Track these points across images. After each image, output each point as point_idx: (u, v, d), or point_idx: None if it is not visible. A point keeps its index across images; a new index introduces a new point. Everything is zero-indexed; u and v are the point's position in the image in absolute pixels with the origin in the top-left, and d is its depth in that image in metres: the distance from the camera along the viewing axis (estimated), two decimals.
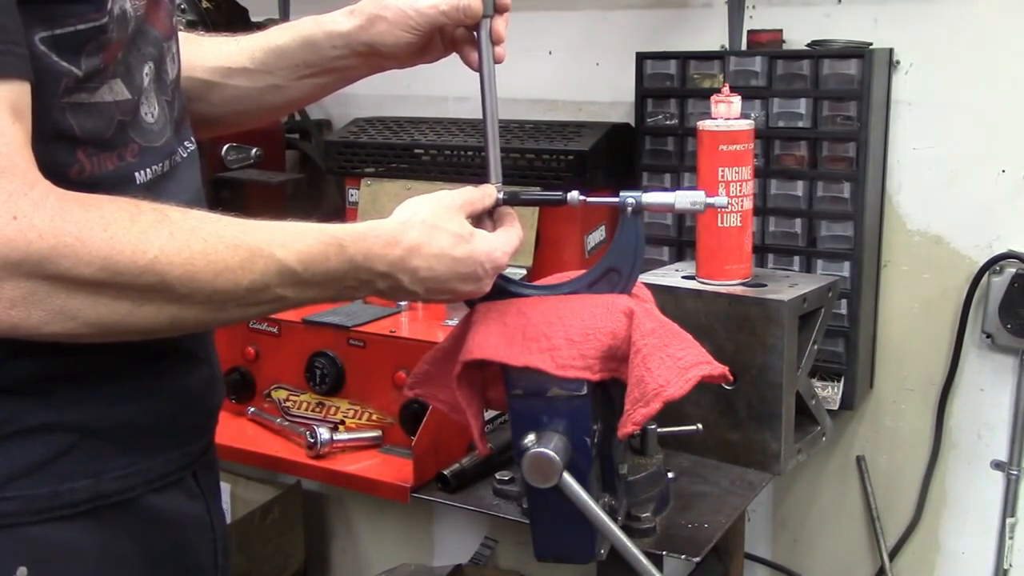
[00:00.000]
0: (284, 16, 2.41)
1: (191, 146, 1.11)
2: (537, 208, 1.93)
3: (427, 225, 1.05)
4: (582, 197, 1.20)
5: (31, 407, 0.94)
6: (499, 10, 1.18)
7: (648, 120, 1.97)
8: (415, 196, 1.09)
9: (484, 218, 1.15)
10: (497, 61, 1.19)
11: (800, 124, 1.83)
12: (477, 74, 1.20)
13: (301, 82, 1.25)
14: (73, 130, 0.92)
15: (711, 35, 1.99)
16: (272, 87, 1.25)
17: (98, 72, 0.92)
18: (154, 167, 1.01)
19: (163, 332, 0.93)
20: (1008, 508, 1.88)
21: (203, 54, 1.25)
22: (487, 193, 1.15)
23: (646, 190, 1.26)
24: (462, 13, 1.16)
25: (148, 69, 1.00)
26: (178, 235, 0.87)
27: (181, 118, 1.09)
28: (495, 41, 1.19)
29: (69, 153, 0.92)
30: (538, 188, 1.92)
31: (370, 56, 1.23)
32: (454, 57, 1.24)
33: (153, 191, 0.99)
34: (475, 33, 1.19)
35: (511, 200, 1.17)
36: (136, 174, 0.98)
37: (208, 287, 0.89)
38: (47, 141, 0.89)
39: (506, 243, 1.12)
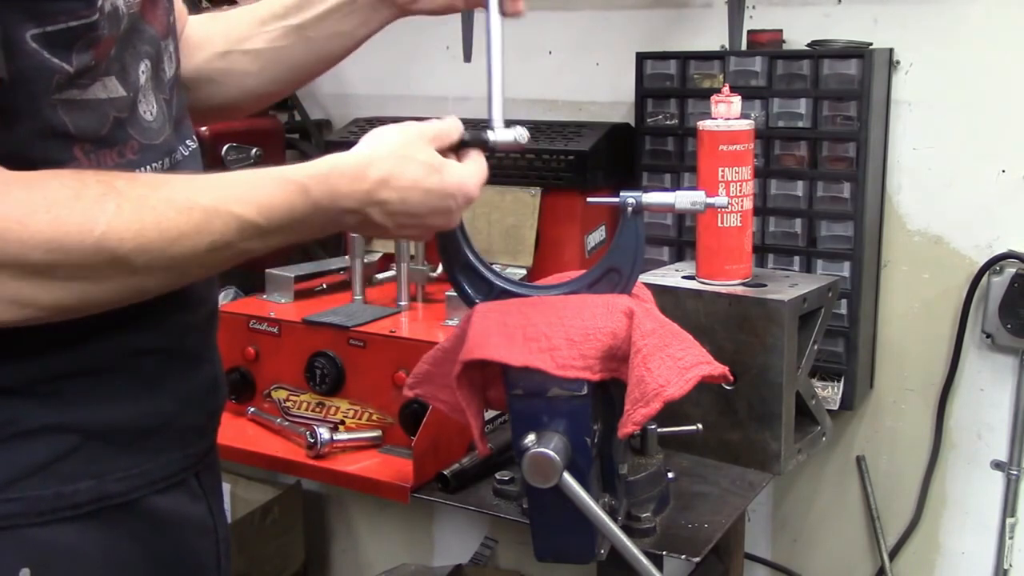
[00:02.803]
0: None
1: (192, 144, 1.11)
2: (537, 208, 1.93)
3: (396, 156, 1.00)
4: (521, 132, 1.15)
5: (34, 408, 0.94)
6: None
7: (648, 120, 1.97)
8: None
9: (448, 154, 1.09)
10: (515, 14, 1.17)
11: (800, 124, 1.83)
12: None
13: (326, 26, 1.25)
14: (67, 127, 0.91)
15: (711, 35, 1.99)
16: (302, 39, 1.25)
17: (89, 69, 0.92)
18: (154, 164, 1.01)
19: (130, 302, 0.91)
20: (1008, 508, 1.88)
21: (238, 27, 1.26)
22: (454, 126, 1.09)
23: (646, 190, 1.26)
24: None
25: (144, 67, 1.00)
26: (126, 207, 0.85)
27: (181, 117, 1.09)
28: None
29: (64, 150, 0.92)
30: (538, 188, 1.93)
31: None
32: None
33: None
34: None
35: (472, 142, 1.11)
36: (138, 171, 0.98)
37: (164, 255, 0.87)
38: (41, 138, 0.89)
39: (476, 174, 1.07)
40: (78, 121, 0.92)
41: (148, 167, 1.00)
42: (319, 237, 1.02)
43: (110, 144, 0.96)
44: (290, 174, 0.95)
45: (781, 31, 1.89)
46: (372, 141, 1.02)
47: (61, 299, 0.85)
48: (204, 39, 1.26)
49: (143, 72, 1.00)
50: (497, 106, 1.15)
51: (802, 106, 1.82)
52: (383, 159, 1.00)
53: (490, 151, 1.12)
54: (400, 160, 1.00)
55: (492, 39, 1.17)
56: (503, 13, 1.17)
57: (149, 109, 1.01)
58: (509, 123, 1.14)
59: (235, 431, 1.77)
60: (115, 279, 0.87)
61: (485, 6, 1.18)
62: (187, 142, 1.09)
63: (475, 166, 1.08)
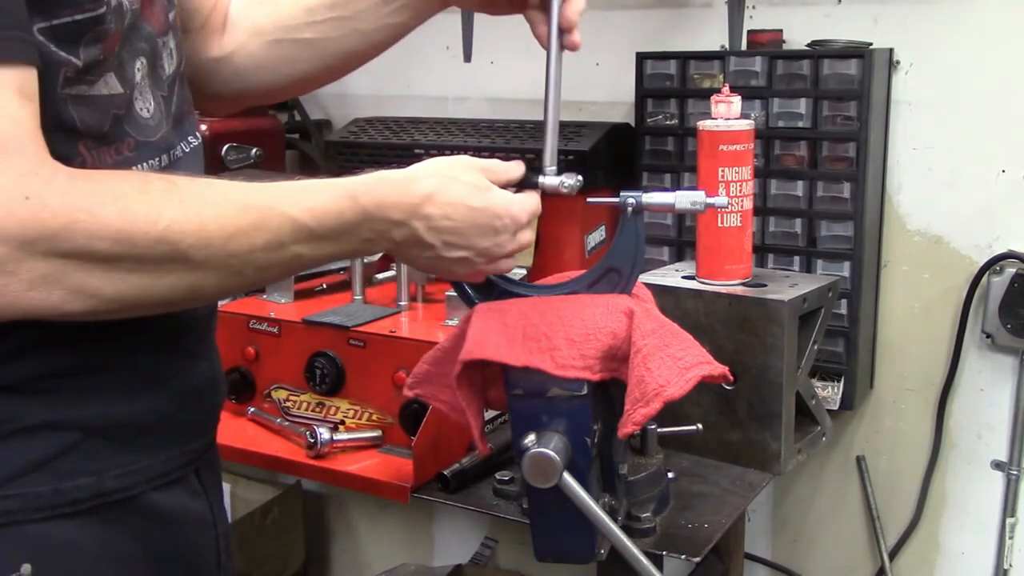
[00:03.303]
0: None
1: (195, 141, 1.11)
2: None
3: (442, 175, 1.05)
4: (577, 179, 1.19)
5: (33, 406, 0.94)
6: None
7: (648, 120, 1.97)
8: None
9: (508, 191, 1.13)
10: (571, 48, 1.18)
11: (800, 124, 1.83)
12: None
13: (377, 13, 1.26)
14: (74, 122, 0.93)
15: (711, 35, 1.99)
16: (353, 31, 1.27)
17: (97, 64, 0.93)
18: (151, 161, 1.01)
19: (184, 303, 0.94)
20: (1008, 508, 1.88)
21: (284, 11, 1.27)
22: (514, 166, 1.14)
23: (646, 190, 1.26)
24: None
25: (140, 64, 1.01)
26: (188, 202, 0.88)
27: (181, 113, 1.10)
28: (565, 28, 1.19)
29: (71, 146, 0.93)
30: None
31: None
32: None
33: None
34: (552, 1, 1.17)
35: (522, 182, 1.16)
36: (134, 168, 0.99)
37: (223, 251, 0.90)
38: (49, 132, 0.90)
39: (525, 200, 1.11)
40: (84, 117, 0.93)
41: (144, 164, 1.00)
42: (369, 254, 1.05)
43: (109, 141, 0.97)
44: (339, 182, 0.99)
45: (781, 31, 1.89)
46: (420, 164, 1.06)
47: (123, 291, 0.87)
48: (252, 26, 1.27)
49: (139, 69, 1.01)
50: (550, 151, 1.20)
51: (802, 106, 1.82)
52: (428, 177, 1.04)
53: (539, 192, 1.16)
54: (445, 179, 1.04)
55: (551, 87, 1.21)
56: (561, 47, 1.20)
57: (146, 106, 1.02)
58: (561, 170, 1.19)
59: (235, 431, 1.77)
60: (175, 273, 0.89)
61: (546, 46, 1.21)
62: (188, 139, 1.10)
63: (525, 196, 1.12)
